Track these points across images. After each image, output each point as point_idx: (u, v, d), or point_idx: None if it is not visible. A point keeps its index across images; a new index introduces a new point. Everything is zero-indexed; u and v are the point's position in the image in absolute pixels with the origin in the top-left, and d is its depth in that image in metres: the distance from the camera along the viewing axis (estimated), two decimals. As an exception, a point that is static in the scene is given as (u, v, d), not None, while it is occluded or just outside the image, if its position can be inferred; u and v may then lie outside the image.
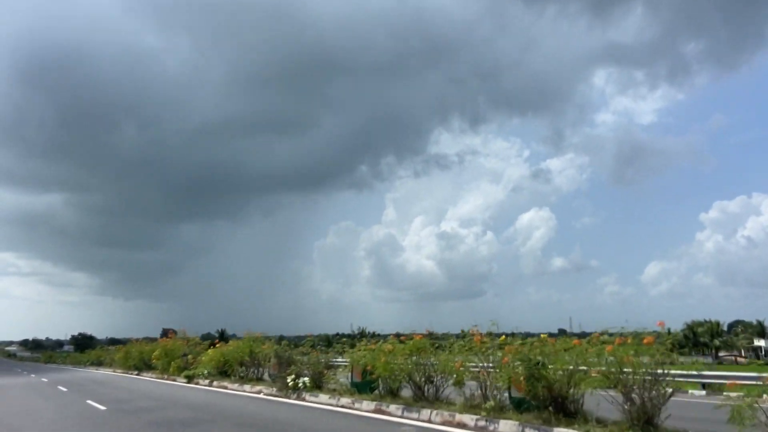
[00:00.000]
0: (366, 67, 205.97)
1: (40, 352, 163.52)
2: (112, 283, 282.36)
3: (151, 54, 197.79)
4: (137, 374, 31.39)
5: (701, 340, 74.23)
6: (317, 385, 15.46)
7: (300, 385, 15.36)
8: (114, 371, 37.11)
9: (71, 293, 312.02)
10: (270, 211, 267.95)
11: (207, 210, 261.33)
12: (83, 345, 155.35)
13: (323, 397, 14.36)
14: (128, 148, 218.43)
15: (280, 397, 15.91)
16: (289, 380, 15.62)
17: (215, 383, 20.96)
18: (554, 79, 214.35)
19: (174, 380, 24.96)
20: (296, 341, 24.73)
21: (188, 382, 23.19)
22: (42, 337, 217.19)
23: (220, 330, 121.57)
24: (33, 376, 36.36)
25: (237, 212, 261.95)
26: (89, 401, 17.07)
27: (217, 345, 21.92)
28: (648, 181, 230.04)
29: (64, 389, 22.79)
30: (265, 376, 19.74)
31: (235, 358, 20.19)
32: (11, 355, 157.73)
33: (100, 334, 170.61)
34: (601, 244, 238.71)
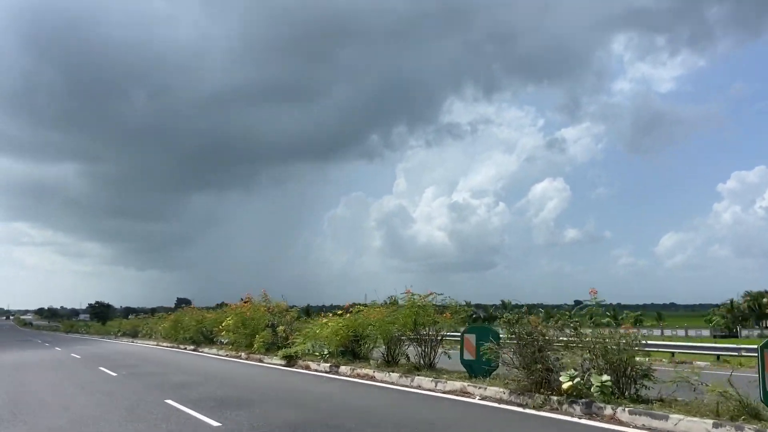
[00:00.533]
0: (378, 32, 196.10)
1: (57, 320, 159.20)
2: (125, 253, 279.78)
3: (160, 20, 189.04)
4: (194, 350, 24.32)
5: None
6: (620, 391, 8.11)
7: (595, 390, 7.98)
8: (158, 345, 30.08)
9: (84, 263, 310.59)
10: (281, 182, 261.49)
11: (218, 180, 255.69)
12: (100, 314, 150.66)
13: (683, 420, 6.93)
14: (139, 116, 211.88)
15: (536, 408, 8.56)
16: (563, 379, 8.23)
17: (345, 369, 13.72)
18: (572, 44, 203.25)
19: (260, 361, 17.79)
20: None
21: (288, 365, 16.01)
22: (56, 306, 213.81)
23: (244, 299, 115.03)
24: (58, 349, 29.57)
25: (248, 182, 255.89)
26: (172, 402, 9.92)
27: (348, 310, 14.62)
28: (665, 150, 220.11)
29: (111, 373, 15.75)
30: (439, 362, 12.47)
31: (386, 332, 12.86)
32: (27, 324, 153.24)
33: (114, 303, 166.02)
34: (615, 215, 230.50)
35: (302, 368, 15.40)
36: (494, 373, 10.49)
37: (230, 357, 19.84)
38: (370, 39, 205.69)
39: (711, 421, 6.69)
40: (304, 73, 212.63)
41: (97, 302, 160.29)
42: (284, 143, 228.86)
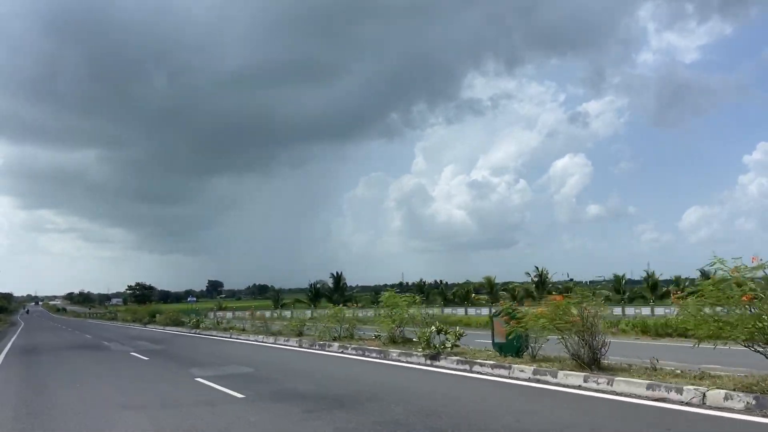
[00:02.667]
0: (398, 6, 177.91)
1: (89, 304, 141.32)
2: (148, 237, 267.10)
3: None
4: None
5: None
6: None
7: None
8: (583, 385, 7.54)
9: (108, 248, 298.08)
10: (300, 163, 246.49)
11: (237, 163, 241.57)
12: (141, 297, 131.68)
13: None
14: (159, 99, 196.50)
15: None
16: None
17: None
18: (597, 12, 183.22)
19: None
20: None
21: None
22: (83, 291, 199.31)
23: (336, 273, 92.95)
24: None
25: (266, 164, 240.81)
26: None
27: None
28: (690, 122, 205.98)
29: None
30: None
31: None
32: (61, 310, 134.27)
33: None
34: (638, 190, 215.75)
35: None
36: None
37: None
38: (389, 14, 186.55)
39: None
40: (323, 51, 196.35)
41: (137, 284, 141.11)
42: (303, 123, 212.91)
